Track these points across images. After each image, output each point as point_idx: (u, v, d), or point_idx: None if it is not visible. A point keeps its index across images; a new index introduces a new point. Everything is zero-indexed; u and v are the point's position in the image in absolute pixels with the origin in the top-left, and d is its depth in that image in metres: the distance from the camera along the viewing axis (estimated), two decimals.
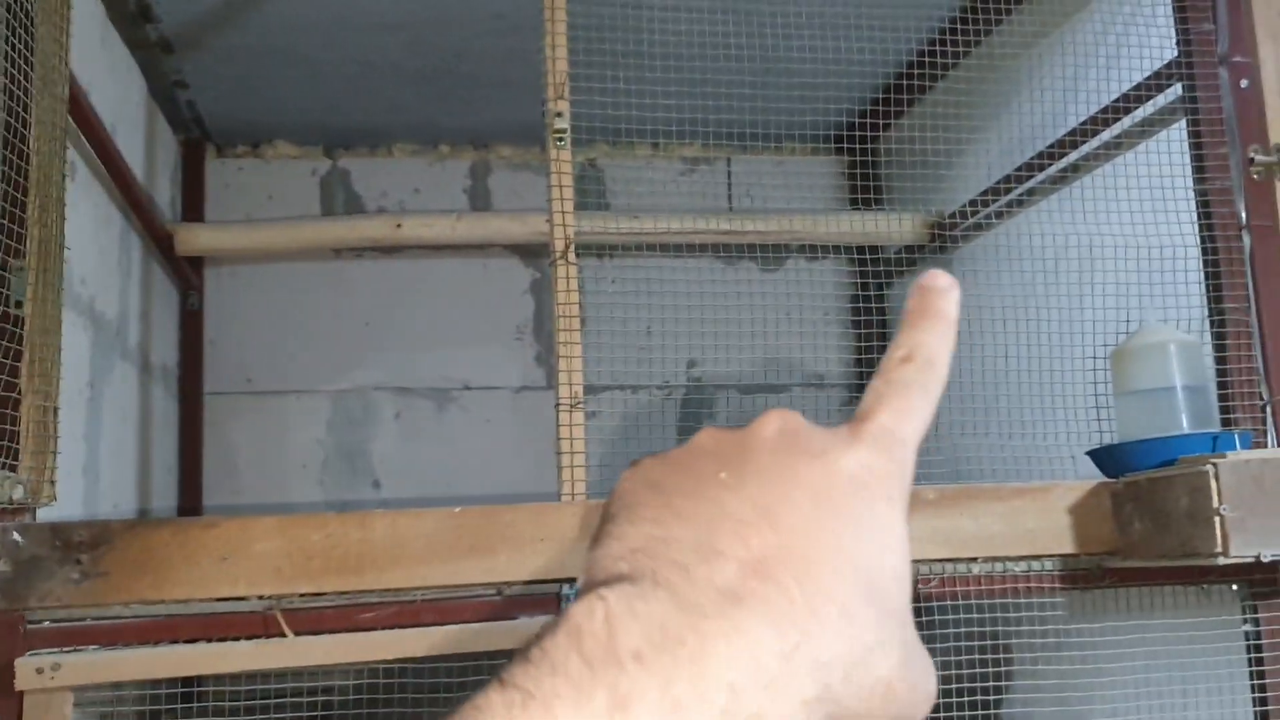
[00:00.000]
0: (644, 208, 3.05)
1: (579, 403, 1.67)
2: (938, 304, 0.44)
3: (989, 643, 2.04)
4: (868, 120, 2.89)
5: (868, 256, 3.14)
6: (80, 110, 2.03)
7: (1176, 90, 1.95)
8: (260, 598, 1.52)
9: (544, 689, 0.32)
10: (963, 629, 1.83)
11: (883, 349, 0.43)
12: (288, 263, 3.29)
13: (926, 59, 2.43)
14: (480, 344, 3.35)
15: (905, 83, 2.64)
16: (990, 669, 1.96)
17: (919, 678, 0.39)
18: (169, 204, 3.08)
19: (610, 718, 0.32)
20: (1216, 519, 1.51)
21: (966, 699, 1.87)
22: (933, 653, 0.40)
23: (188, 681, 2.47)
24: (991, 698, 1.87)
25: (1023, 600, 1.79)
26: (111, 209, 2.41)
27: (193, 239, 2.95)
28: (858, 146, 2.95)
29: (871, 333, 3.11)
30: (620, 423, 3.17)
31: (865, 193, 2.88)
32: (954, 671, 1.95)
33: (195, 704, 2.07)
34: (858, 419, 0.41)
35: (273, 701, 1.61)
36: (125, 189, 2.40)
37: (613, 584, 0.35)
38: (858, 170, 2.96)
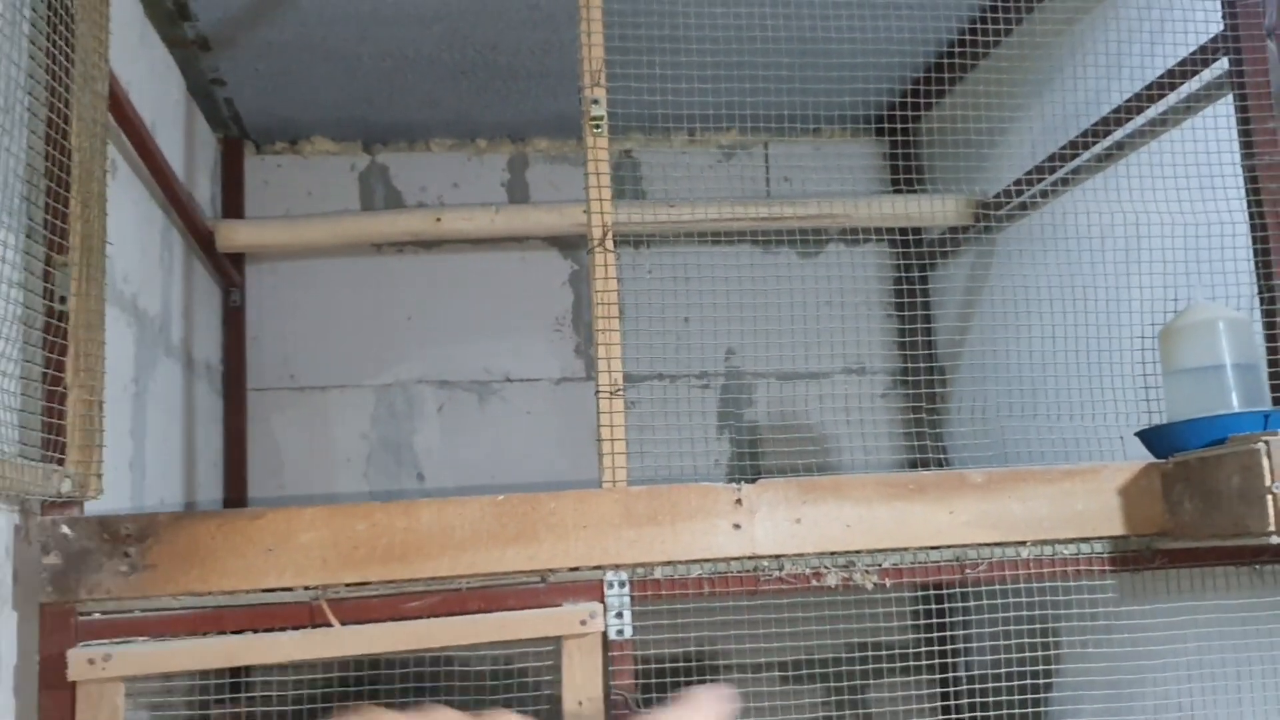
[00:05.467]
0: (680, 196, 3.04)
1: (619, 389, 1.66)
2: None
3: (1039, 626, 2.02)
4: (908, 102, 2.85)
5: (912, 239, 3.10)
6: (120, 108, 2.04)
7: (1223, 64, 1.92)
8: (306, 588, 1.53)
9: None
10: (1011, 614, 1.82)
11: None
12: (328, 258, 3.31)
13: (967, 38, 2.39)
14: (520, 336, 3.37)
15: (946, 63, 2.61)
16: (1040, 653, 1.94)
17: None
18: (209, 201, 3.10)
19: None
20: (1269, 497, 1.48)
21: (1016, 684, 1.85)
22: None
23: (235, 672, 2.49)
24: (1041, 681, 1.85)
25: (1072, 584, 1.77)
26: (152, 207, 2.43)
27: (233, 235, 2.97)
28: (899, 129, 2.92)
29: (916, 315, 3.08)
30: (660, 409, 3.16)
31: (906, 175, 2.85)
32: (1004, 656, 1.93)
33: (244, 694, 2.09)
34: None
35: (320, 691, 1.62)
36: (166, 187, 2.41)
37: None
38: (899, 153, 2.92)
